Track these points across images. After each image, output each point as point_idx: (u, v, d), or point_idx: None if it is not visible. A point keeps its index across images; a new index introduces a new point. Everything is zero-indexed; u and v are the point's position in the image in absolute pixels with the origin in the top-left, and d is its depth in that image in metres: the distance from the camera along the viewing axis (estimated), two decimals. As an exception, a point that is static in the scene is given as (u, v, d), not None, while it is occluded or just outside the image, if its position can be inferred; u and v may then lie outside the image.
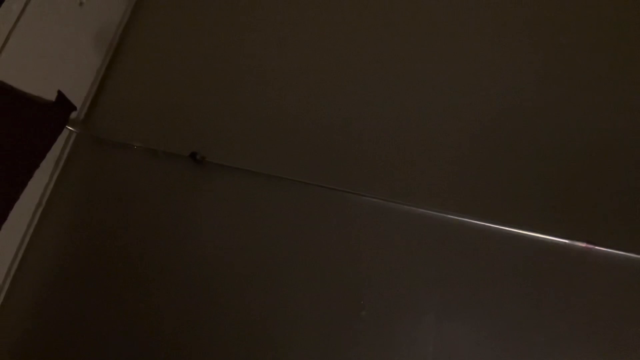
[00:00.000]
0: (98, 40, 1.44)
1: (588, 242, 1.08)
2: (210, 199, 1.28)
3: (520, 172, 1.17)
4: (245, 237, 1.24)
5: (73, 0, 1.31)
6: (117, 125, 1.42)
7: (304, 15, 1.43)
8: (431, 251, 1.15)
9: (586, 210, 1.12)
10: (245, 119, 1.34)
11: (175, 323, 1.20)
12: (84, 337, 1.24)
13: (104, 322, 1.23)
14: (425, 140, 1.24)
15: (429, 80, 1.29)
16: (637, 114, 1.17)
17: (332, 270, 1.17)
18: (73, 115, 1.36)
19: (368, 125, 1.27)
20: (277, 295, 1.18)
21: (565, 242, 1.09)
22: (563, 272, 1.09)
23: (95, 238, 1.31)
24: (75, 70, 1.39)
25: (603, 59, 1.24)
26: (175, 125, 1.37)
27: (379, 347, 1.11)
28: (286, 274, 1.19)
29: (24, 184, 1.20)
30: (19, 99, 1.17)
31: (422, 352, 1.09)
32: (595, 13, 1.28)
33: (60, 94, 1.29)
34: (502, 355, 1.06)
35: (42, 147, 1.25)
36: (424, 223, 1.16)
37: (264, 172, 1.26)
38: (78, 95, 1.39)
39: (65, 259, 1.31)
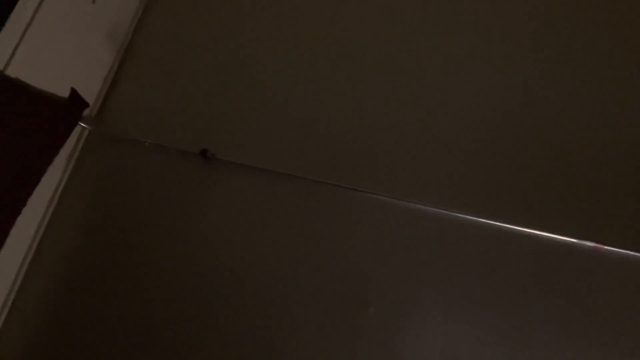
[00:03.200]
0: (110, 38, 1.45)
1: (597, 241, 1.07)
2: (220, 196, 1.30)
3: (528, 170, 1.17)
4: (255, 234, 1.25)
5: (86, -1, 1.33)
6: (129, 122, 1.43)
7: (313, 15, 1.44)
8: (438, 249, 1.15)
9: (595, 210, 1.12)
10: (255, 116, 1.35)
11: (183, 319, 1.21)
12: (95, 333, 1.25)
13: (114, 317, 1.25)
14: (433, 138, 1.24)
15: (437, 78, 1.29)
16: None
17: (339, 267, 1.18)
18: (85, 112, 1.37)
19: (376, 122, 1.28)
20: (284, 291, 1.19)
21: (573, 242, 1.09)
22: (571, 271, 1.09)
23: (107, 233, 1.33)
24: (88, 67, 1.40)
25: (614, 56, 1.23)
26: (186, 123, 1.38)
27: (386, 343, 1.11)
28: (294, 270, 1.20)
29: (37, 180, 1.22)
30: (33, 96, 1.19)
31: (430, 349, 1.10)
32: (604, 11, 1.27)
33: (73, 91, 1.30)
34: (510, 353, 1.06)
35: (55, 143, 1.26)
36: (431, 221, 1.17)
37: (274, 170, 1.27)
38: (90, 93, 1.41)
39: (78, 253, 1.33)
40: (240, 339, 1.18)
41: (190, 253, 1.26)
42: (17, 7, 1.13)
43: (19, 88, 1.15)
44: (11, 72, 1.13)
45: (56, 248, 1.34)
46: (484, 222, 1.14)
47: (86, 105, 1.35)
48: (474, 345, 1.08)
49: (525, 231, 1.11)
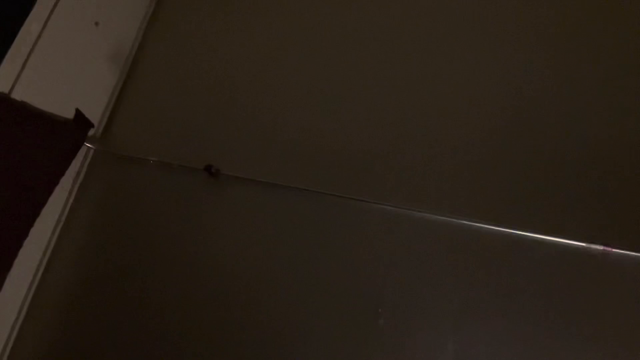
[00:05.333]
0: (113, 58, 1.47)
1: (605, 244, 1.07)
2: (226, 211, 1.30)
3: (535, 176, 1.17)
4: (261, 248, 1.24)
5: (89, 21, 1.35)
6: (134, 141, 1.44)
7: (317, 30, 1.45)
8: (447, 258, 1.15)
9: (602, 213, 1.11)
10: (258, 130, 1.36)
11: (191, 335, 1.21)
12: (105, 352, 1.25)
13: (123, 335, 1.25)
14: (439, 146, 1.24)
15: (441, 86, 1.30)
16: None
17: (348, 279, 1.18)
18: (91, 132, 1.38)
19: (380, 133, 1.28)
20: (293, 305, 1.19)
21: (582, 246, 1.09)
22: (581, 275, 1.08)
23: (115, 251, 1.33)
24: (92, 88, 1.42)
25: (620, 58, 1.23)
26: (190, 139, 1.39)
27: (397, 355, 1.11)
28: (302, 284, 1.20)
29: (44, 201, 1.22)
30: (38, 118, 1.20)
31: (441, 358, 1.09)
32: (607, 15, 1.28)
33: (78, 112, 1.31)
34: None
35: (61, 164, 1.27)
36: (439, 230, 1.17)
37: (278, 183, 1.27)
38: (95, 113, 1.42)
39: (86, 272, 1.33)
40: (250, 352, 1.17)
41: (199, 268, 1.26)
42: (21, 30, 1.14)
43: (24, 110, 1.16)
44: (16, 95, 1.14)
45: (64, 267, 1.34)
46: (492, 229, 1.13)
47: (91, 125, 1.37)
48: (486, 353, 1.07)
49: (534, 236, 1.11)
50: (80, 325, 1.29)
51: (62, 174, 1.27)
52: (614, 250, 1.07)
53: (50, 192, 1.23)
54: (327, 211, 1.24)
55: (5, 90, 1.12)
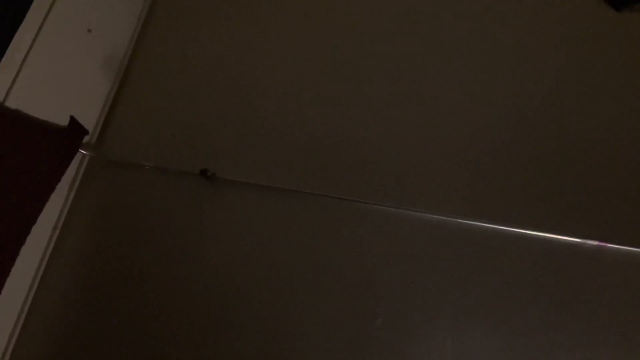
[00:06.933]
0: (107, 65, 1.47)
1: (600, 240, 1.08)
2: (222, 214, 1.30)
3: (529, 173, 1.18)
4: (258, 250, 1.25)
5: (82, 28, 1.35)
6: (129, 146, 1.44)
7: (311, 33, 1.46)
8: (444, 256, 1.15)
9: (596, 209, 1.12)
10: (253, 134, 1.36)
11: (189, 336, 1.21)
12: (103, 352, 1.25)
13: (121, 340, 1.25)
14: (434, 145, 1.25)
15: (437, 85, 1.31)
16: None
17: (346, 279, 1.18)
18: (85, 139, 1.38)
19: (376, 133, 1.29)
20: (291, 307, 1.19)
21: (577, 242, 1.09)
22: (576, 271, 1.09)
23: (112, 257, 1.33)
24: (86, 94, 1.42)
25: (614, 57, 1.24)
26: (185, 144, 1.39)
27: (395, 354, 1.11)
28: (300, 285, 1.20)
29: (40, 208, 1.22)
30: (32, 126, 1.20)
31: (439, 356, 1.09)
32: (607, 17, 1.29)
33: (72, 119, 1.31)
34: (519, 356, 1.06)
35: (57, 171, 1.27)
36: (435, 228, 1.17)
37: (274, 186, 1.27)
38: (90, 119, 1.42)
39: (84, 278, 1.33)
40: (249, 352, 1.17)
41: (196, 272, 1.26)
42: (15, 38, 1.14)
43: (18, 118, 1.16)
44: (10, 103, 1.14)
45: (62, 274, 1.33)
46: (488, 226, 1.14)
47: (86, 132, 1.37)
48: (483, 350, 1.08)
49: (528, 233, 1.12)
50: (79, 329, 1.28)
51: (57, 181, 1.27)
52: (608, 245, 1.07)
53: (46, 200, 1.23)
54: (322, 213, 1.24)
55: (0, 98, 1.12)
